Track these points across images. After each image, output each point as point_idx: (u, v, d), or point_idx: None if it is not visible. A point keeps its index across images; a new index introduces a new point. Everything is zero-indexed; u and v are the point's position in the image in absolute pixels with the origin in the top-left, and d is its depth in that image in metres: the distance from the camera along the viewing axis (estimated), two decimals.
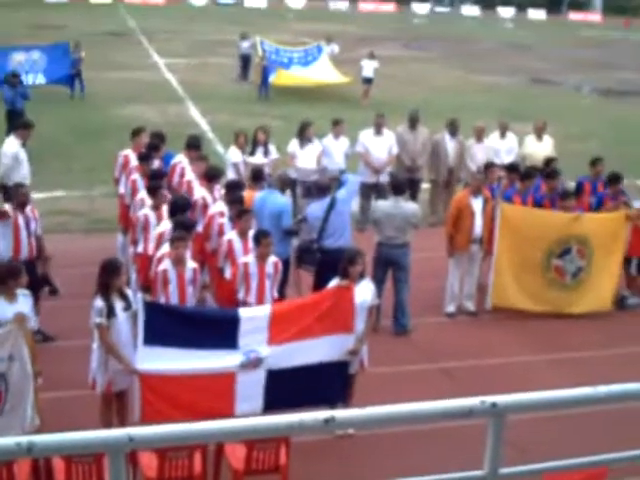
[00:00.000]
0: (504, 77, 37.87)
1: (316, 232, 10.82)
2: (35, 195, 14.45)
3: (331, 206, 10.80)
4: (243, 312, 8.23)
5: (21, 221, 10.26)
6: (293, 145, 14.94)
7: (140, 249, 10.59)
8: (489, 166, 13.13)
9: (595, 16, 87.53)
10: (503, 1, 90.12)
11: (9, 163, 12.86)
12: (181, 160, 12.52)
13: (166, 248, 9.22)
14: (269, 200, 10.88)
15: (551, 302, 11.85)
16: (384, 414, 3.49)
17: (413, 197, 14.98)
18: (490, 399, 3.51)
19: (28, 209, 10.45)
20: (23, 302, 7.92)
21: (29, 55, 27.52)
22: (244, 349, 8.00)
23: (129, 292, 8.13)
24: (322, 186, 11.31)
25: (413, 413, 3.55)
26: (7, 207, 10.28)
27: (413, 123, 15.87)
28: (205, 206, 11.23)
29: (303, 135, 14.82)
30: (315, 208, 11.04)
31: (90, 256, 12.35)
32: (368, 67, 29.40)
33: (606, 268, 12.02)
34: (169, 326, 7.90)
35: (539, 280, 11.80)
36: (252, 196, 11.03)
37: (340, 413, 3.39)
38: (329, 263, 9.45)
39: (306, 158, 14.73)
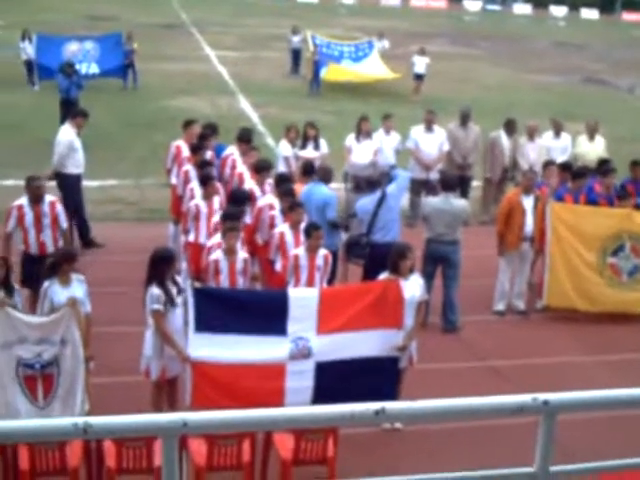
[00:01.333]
0: (556, 76, 37.52)
1: (365, 226, 10.84)
2: (88, 183, 14.70)
3: (381, 201, 10.81)
4: (292, 292, 8.28)
5: (28, 217, 10.05)
6: (350, 139, 14.94)
7: (191, 238, 10.69)
8: (547, 164, 13.11)
9: None
10: (555, 0, 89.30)
11: (64, 151, 13.01)
12: (232, 152, 12.60)
13: (217, 238, 9.30)
14: (315, 192, 10.93)
15: (608, 302, 11.68)
16: (435, 408, 3.48)
17: (464, 195, 14.94)
18: (542, 396, 3.49)
19: (45, 204, 10.16)
20: (77, 287, 8.03)
21: (82, 45, 27.81)
22: (293, 336, 8.04)
23: (179, 279, 8.21)
24: (373, 180, 11.33)
25: (463, 408, 3.54)
26: (20, 200, 10.12)
27: (464, 120, 15.81)
28: (253, 198, 11.31)
29: (360, 129, 14.81)
30: (365, 202, 11.07)
31: (141, 244, 12.49)
32: (419, 63, 29.35)
33: None
34: (219, 312, 7.95)
35: (594, 279, 11.66)
36: (302, 189, 11.08)
37: (391, 405, 3.39)
38: (378, 257, 9.47)
39: (361, 153, 14.70)
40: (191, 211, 10.79)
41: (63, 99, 20.63)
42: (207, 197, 10.70)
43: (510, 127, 15.87)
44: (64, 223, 10.40)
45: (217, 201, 10.71)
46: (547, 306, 11.76)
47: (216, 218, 10.14)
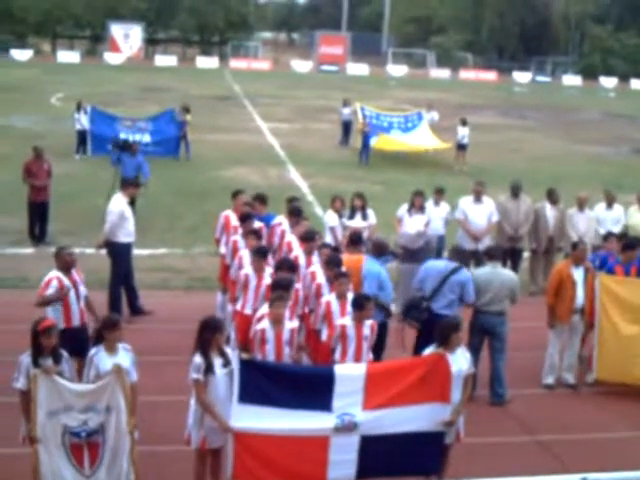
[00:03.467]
0: (606, 147, 37.39)
1: (429, 291, 10.84)
2: (139, 252, 14.89)
3: (453, 272, 10.83)
4: (339, 369, 8.24)
5: (63, 286, 9.89)
6: (402, 210, 14.97)
7: (238, 307, 10.74)
8: (608, 236, 13.04)
9: None
10: (605, 71, 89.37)
11: (115, 220, 13.21)
12: (281, 222, 12.70)
13: (265, 308, 9.33)
14: (366, 267, 10.92)
15: None
16: None
17: (514, 267, 14.86)
18: (592, 476, 3.45)
19: (74, 271, 10.10)
20: (123, 355, 8.07)
21: (135, 124, 28.62)
22: (338, 412, 7.99)
23: (228, 350, 8.22)
24: (456, 249, 11.48)
25: None
26: (54, 272, 9.98)
27: (515, 192, 15.79)
28: (297, 266, 11.35)
29: (413, 204, 14.83)
30: (438, 265, 11.13)
31: (190, 313, 12.57)
32: (461, 133, 29.52)
33: None
34: (264, 384, 7.95)
35: None
36: (350, 259, 11.08)
37: None
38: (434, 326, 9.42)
39: (412, 226, 14.71)
40: (240, 280, 10.84)
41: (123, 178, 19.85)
42: (257, 269, 10.73)
43: (552, 197, 15.84)
44: (85, 290, 10.31)
45: (268, 272, 10.74)
46: (598, 380, 11.53)
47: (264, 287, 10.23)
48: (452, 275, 10.80)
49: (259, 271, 10.68)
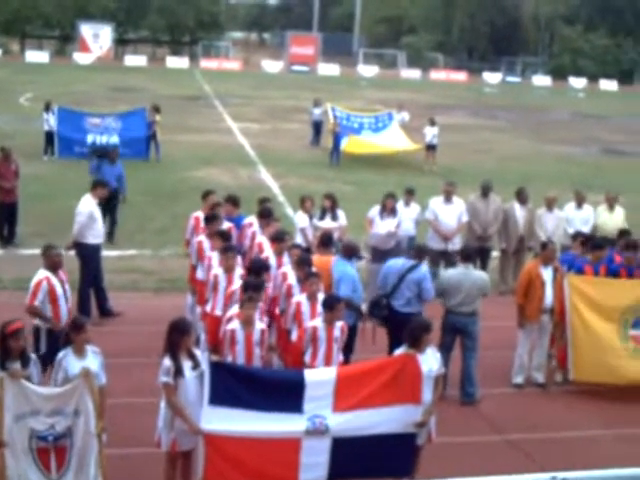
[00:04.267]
0: (575, 147, 37.67)
1: (389, 287, 10.91)
2: (108, 253, 14.80)
3: (412, 269, 10.86)
4: (309, 374, 8.22)
5: (58, 286, 9.98)
6: (373, 211, 14.97)
7: (208, 309, 10.68)
8: (576, 236, 13.11)
9: None
10: (575, 71, 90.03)
11: (84, 221, 13.12)
12: (252, 223, 12.67)
13: (235, 309, 9.30)
14: (335, 268, 10.91)
15: (634, 374, 11.49)
16: None
17: (483, 266, 14.93)
18: (561, 475, 3.47)
19: (61, 273, 10.13)
20: (92, 358, 7.99)
21: (104, 120, 28.36)
22: (309, 414, 7.97)
23: (197, 352, 8.17)
24: (417, 247, 11.50)
25: None
26: (42, 272, 10.00)
27: (485, 192, 15.86)
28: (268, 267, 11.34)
29: (385, 206, 14.83)
30: (397, 263, 11.17)
31: (160, 314, 12.50)
32: (429, 134, 29.53)
33: None
34: (235, 387, 7.91)
35: (620, 351, 11.46)
36: (321, 260, 11.08)
37: None
38: (399, 324, 9.45)
39: (383, 227, 14.73)
40: (209, 281, 10.79)
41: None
42: (227, 269, 10.68)
43: (521, 196, 15.93)
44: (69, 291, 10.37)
45: (238, 273, 10.69)
46: (575, 380, 11.54)
47: (232, 287, 10.17)
48: (409, 273, 10.88)
49: (229, 271, 10.64)
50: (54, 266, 10.05)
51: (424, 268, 11.14)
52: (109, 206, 17.00)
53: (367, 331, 10.92)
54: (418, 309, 10.83)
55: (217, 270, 10.78)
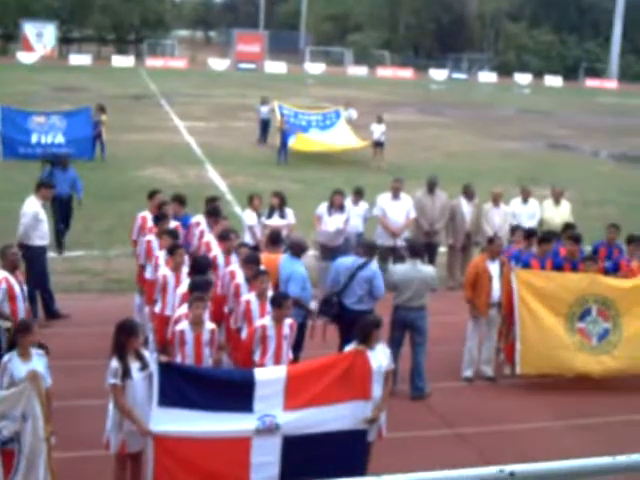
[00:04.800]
0: (521, 142, 38.06)
1: (340, 286, 10.89)
2: (54, 254, 14.60)
3: (362, 267, 10.85)
4: (258, 373, 8.19)
5: (16, 286, 9.93)
6: (321, 208, 14.95)
7: (157, 309, 10.60)
8: (515, 229, 13.26)
9: (611, 83, 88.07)
10: (520, 67, 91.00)
11: (29, 222, 12.95)
12: (200, 222, 12.60)
13: (184, 309, 9.24)
14: (285, 266, 10.89)
15: (581, 365, 11.63)
16: None
17: (431, 261, 15.01)
18: (509, 468, 3.48)
19: (18, 273, 10.11)
20: (37, 361, 7.90)
21: (49, 118, 27.94)
22: (259, 413, 7.94)
23: (146, 353, 8.11)
24: (364, 244, 11.38)
25: None
26: (2, 273, 9.92)
27: (432, 188, 15.95)
28: (215, 266, 11.31)
29: (333, 202, 14.82)
30: (347, 261, 11.15)
31: (107, 316, 12.39)
32: (377, 131, 29.59)
33: None
34: (184, 388, 7.87)
35: (567, 344, 11.60)
36: (270, 259, 11.05)
37: None
38: (350, 322, 9.46)
39: (331, 224, 14.73)
40: (158, 282, 10.71)
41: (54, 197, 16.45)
42: (175, 268, 10.62)
43: (467, 192, 16.05)
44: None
45: (185, 272, 10.63)
46: (522, 374, 11.65)
47: (182, 289, 10.09)
48: (359, 271, 10.89)
49: (176, 270, 10.58)
50: (12, 265, 10.02)
51: (374, 265, 11.17)
52: (63, 213, 16.74)
53: (318, 329, 10.92)
54: (369, 306, 10.84)
55: (165, 270, 10.71)
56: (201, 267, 10.29)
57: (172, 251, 10.82)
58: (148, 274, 11.51)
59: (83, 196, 17.76)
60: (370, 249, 11.46)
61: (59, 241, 16.75)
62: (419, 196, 15.99)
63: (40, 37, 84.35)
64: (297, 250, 11.17)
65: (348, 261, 11.17)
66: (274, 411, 7.96)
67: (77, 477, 8.44)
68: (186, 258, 11.11)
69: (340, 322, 10.85)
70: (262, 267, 10.29)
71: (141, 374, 7.81)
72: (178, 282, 10.47)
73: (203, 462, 7.82)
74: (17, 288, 9.92)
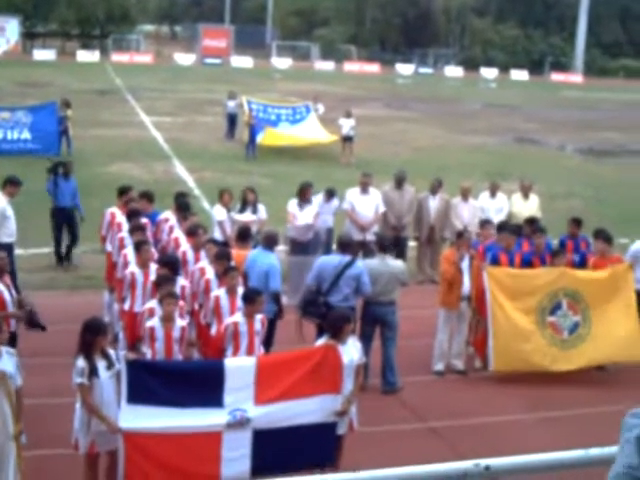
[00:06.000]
0: (488, 137, 38.23)
1: (326, 285, 10.82)
2: (21, 251, 14.45)
3: (349, 265, 10.81)
4: (228, 363, 8.19)
5: (5, 291, 9.72)
6: (292, 205, 14.85)
7: (127, 307, 10.53)
8: (484, 223, 13.26)
9: (576, 77, 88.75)
10: (486, 62, 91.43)
11: None
12: (169, 218, 12.53)
13: (151, 303, 9.21)
14: (259, 259, 10.87)
15: (553, 359, 11.69)
16: (378, 478, 3.45)
17: (400, 256, 15.02)
18: (484, 462, 3.49)
19: (5, 276, 9.91)
20: (7, 360, 7.79)
21: (14, 114, 27.65)
22: (230, 407, 7.93)
23: (111, 351, 8.04)
24: (345, 242, 11.32)
25: (407, 476, 3.52)
26: None
27: (399, 183, 15.97)
28: (185, 262, 11.27)
29: (303, 197, 14.75)
30: (332, 260, 11.09)
31: (75, 313, 12.25)
32: (346, 125, 29.53)
33: (616, 322, 11.91)
34: (152, 384, 7.83)
35: (538, 339, 11.65)
36: (240, 254, 11.02)
37: (334, 477, 3.34)
38: None
39: (303, 218, 14.68)
40: (127, 279, 10.64)
41: (56, 208, 16.20)
42: (142, 264, 10.56)
43: (433, 186, 16.10)
44: None
45: (153, 268, 10.56)
46: (495, 371, 11.69)
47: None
48: (346, 269, 10.82)
49: (144, 267, 10.52)
50: (0, 270, 9.81)
51: (360, 263, 11.12)
52: (69, 227, 16.01)
53: (296, 325, 10.84)
54: (354, 303, 10.83)
55: (133, 267, 10.64)
56: (171, 264, 10.23)
57: (139, 247, 10.75)
58: (119, 272, 11.41)
59: (84, 212, 16.36)
60: (348, 246, 11.38)
61: (59, 254, 15.96)
62: (387, 190, 16.00)
63: (3, 32, 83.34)
64: (270, 243, 11.16)
65: (334, 260, 11.05)
66: (245, 405, 7.96)
67: (46, 475, 8.37)
68: (154, 254, 11.06)
69: (324, 320, 10.73)
70: (232, 263, 10.27)
71: (108, 373, 7.76)
72: (147, 278, 10.41)
73: (174, 458, 7.81)
74: (6, 293, 9.70)
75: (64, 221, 15.88)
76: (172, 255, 10.96)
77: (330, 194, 15.43)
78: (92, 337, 7.78)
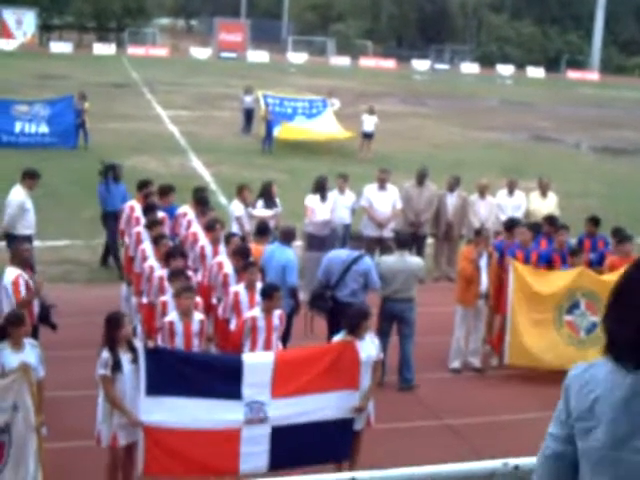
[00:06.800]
0: (504, 134, 38.12)
1: (334, 279, 10.83)
2: (39, 244, 14.50)
3: (356, 260, 10.83)
4: (247, 358, 8.21)
5: (30, 281, 9.79)
6: (311, 200, 14.83)
7: (145, 300, 10.56)
8: (513, 224, 13.12)
9: (593, 75, 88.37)
10: (502, 59, 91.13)
11: (15, 212, 12.88)
12: (187, 212, 12.55)
13: (165, 297, 9.26)
14: (277, 254, 10.89)
15: (568, 359, 11.63)
16: (407, 476, 3.46)
17: (419, 252, 15.02)
18: (513, 461, 3.49)
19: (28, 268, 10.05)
20: (30, 352, 7.87)
21: (32, 107, 27.72)
22: (248, 400, 7.95)
23: (138, 344, 8.07)
24: (353, 237, 11.31)
25: (434, 475, 3.53)
26: (15, 270, 9.80)
27: (421, 179, 15.96)
28: (203, 256, 11.29)
29: (323, 190, 14.77)
30: (340, 254, 11.13)
31: (93, 305, 12.38)
32: (368, 122, 29.51)
33: None
34: (171, 373, 7.86)
35: (554, 337, 11.63)
36: (258, 249, 11.04)
37: (361, 475, 3.35)
38: (342, 315, 9.45)
39: (322, 213, 14.69)
40: (145, 272, 10.67)
41: (105, 211, 15.56)
42: (161, 258, 10.58)
43: (450, 184, 16.08)
44: None
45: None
46: (509, 364, 11.68)
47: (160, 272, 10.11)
48: (354, 264, 10.84)
49: (163, 261, 10.54)
50: (24, 262, 9.92)
51: (368, 259, 11.14)
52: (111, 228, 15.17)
53: (306, 319, 10.92)
54: (362, 299, 10.82)
55: (152, 261, 10.67)
56: (172, 255, 10.21)
57: (157, 241, 10.79)
58: (137, 266, 11.44)
59: None
60: (358, 241, 11.45)
61: (106, 257, 15.60)
62: (407, 187, 16.00)
63: (20, 24, 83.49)
64: (288, 238, 11.19)
65: (342, 254, 11.10)
66: (262, 397, 7.99)
67: (67, 468, 8.40)
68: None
69: (332, 316, 10.79)
70: (251, 258, 10.29)
71: (132, 366, 7.78)
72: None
73: (193, 452, 7.84)
74: (31, 283, 9.82)
75: (115, 224, 14.54)
76: (178, 246, 10.99)
77: (343, 178, 15.42)
78: (114, 330, 7.81)
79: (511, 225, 12.83)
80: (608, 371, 2.75)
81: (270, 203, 14.16)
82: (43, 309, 9.97)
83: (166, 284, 9.77)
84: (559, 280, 11.78)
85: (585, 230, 13.42)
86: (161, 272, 10.16)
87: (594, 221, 13.39)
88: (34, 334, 9.40)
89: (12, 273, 9.70)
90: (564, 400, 2.87)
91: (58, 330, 10.76)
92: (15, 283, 9.61)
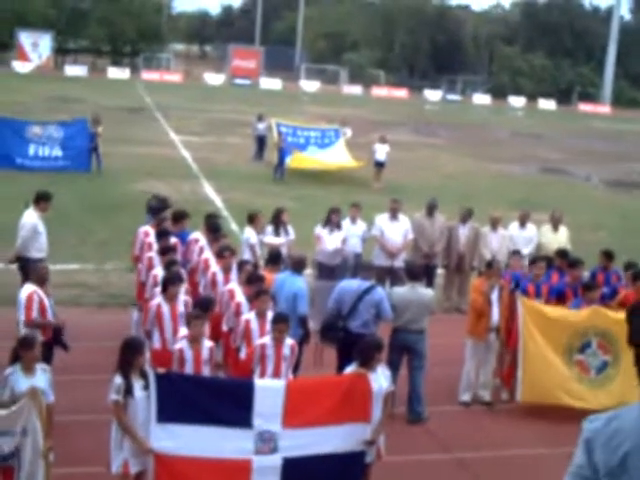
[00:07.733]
0: (515, 165, 38.12)
1: (346, 309, 10.80)
2: (50, 267, 14.49)
3: (368, 291, 10.80)
4: (258, 384, 8.18)
5: (45, 299, 9.92)
6: (320, 228, 14.97)
7: (157, 345, 9.93)
8: (514, 254, 13.20)
9: (604, 108, 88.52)
10: (514, 90, 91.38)
11: (28, 235, 12.92)
12: (199, 238, 12.56)
13: (184, 330, 9.19)
14: (287, 283, 10.88)
15: (580, 397, 11.54)
16: None
17: (429, 283, 14.99)
18: None
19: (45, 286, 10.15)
20: (41, 376, 7.86)
21: (45, 129, 27.81)
22: (258, 429, 7.90)
23: (148, 369, 8.06)
24: (363, 267, 11.31)
25: None
26: (31, 287, 9.94)
27: (431, 210, 15.97)
28: (214, 283, 11.27)
29: (331, 221, 14.83)
30: (351, 284, 11.09)
31: (103, 330, 12.38)
32: (380, 151, 29.57)
33: None
34: (182, 400, 7.82)
35: (565, 374, 11.55)
36: (270, 277, 11.03)
37: None
38: (352, 345, 9.40)
39: (331, 242, 14.73)
40: (151, 311, 10.55)
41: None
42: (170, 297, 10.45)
43: (463, 216, 16.12)
44: None
45: (183, 290, 10.53)
46: (522, 402, 11.58)
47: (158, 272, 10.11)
48: (366, 295, 10.80)
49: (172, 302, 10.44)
50: (42, 280, 10.06)
51: (381, 289, 11.11)
52: None
53: (316, 350, 10.88)
54: (373, 330, 10.79)
55: (159, 299, 10.58)
56: (204, 305, 10.02)
57: (168, 267, 10.80)
58: (148, 291, 11.39)
59: None
60: (367, 271, 11.42)
61: None
62: (418, 218, 16.01)
63: (36, 47, 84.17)
64: (299, 266, 11.18)
65: (353, 285, 11.07)
66: (273, 427, 7.93)
67: None
68: (184, 274, 11.08)
69: (343, 346, 10.72)
70: (263, 286, 10.27)
71: (144, 393, 7.76)
72: (173, 314, 10.27)
73: None
74: (46, 301, 9.95)
75: None
76: (206, 298, 10.74)
77: (355, 207, 15.48)
78: (131, 356, 7.80)
79: (534, 260, 12.84)
80: (636, 423, 2.67)
81: (280, 230, 14.19)
82: (56, 330, 10.01)
83: None
84: (572, 317, 11.67)
85: (599, 264, 13.38)
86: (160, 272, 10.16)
87: (608, 255, 13.36)
88: (49, 354, 9.44)
89: (28, 289, 9.87)
90: (586, 455, 2.79)
91: (68, 354, 10.76)
92: (29, 299, 9.73)
